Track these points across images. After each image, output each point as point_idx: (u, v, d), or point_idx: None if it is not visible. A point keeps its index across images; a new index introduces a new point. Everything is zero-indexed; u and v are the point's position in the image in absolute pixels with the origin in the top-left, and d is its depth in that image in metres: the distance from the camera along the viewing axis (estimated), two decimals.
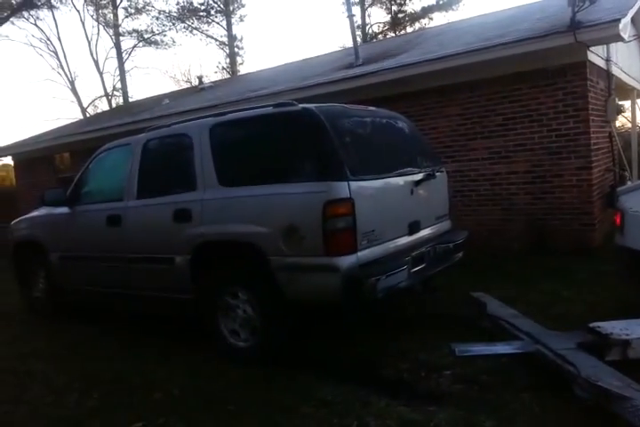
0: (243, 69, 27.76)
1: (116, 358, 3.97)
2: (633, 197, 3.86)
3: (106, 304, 4.87)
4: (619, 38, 5.81)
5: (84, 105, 28.23)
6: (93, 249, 4.57)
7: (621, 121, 14.98)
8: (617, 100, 7.26)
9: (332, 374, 3.31)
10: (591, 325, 3.06)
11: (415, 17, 26.80)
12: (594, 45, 6.06)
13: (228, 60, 28.40)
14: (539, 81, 6.22)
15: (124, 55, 27.30)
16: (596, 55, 6.37)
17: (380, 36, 26.43)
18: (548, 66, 6.11)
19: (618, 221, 3.85)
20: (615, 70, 7.36)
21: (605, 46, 6.80)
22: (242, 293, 3.60)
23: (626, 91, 9.75)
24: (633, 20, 7.10)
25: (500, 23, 7.80)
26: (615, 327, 2.99)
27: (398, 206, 3.71)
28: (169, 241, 3.90)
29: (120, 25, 26.45)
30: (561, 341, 3.07)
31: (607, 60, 6.99)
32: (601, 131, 6.61)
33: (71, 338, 4.61)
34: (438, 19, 26.01)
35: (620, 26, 5.51)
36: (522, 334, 3.34)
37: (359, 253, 3.25)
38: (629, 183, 8.09)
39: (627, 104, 11.14)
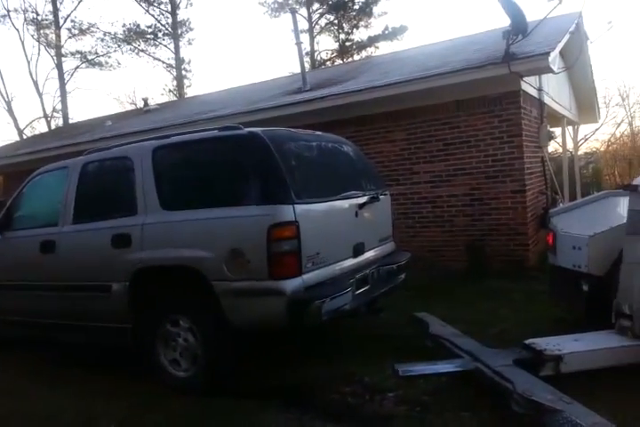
0: (190, 92, 27.60)
1: (53, 393, 3.74)
2: (563, 218, 4.07)
3: (42, 336, 4.59)
4: (549, 70, 6.22)
5: (21, 126, 27.13)
6: (26, 277, 4.33)
7: (554, 147, 15.93)
8: (548, 127, 7.71)
9: (276, 401, 3.25)
10: (526, 342, 3.17)
11: (362, 45, 27.69)
12: (526, 76, 6.45)
13: (175, 83, 28.17)
14: (476, 108, 6.54)
15: (66, 76, 26.51)
16: (529, 85, 6.77)
17: (328, 62, 27.09)
18: (485, 94, 6.44)
19: (550, 241, 4.03)
20: (547, 99, 7.85)
21: (537, 77, 7.25)
22: (183, 320, 3.49)
23: (557, 118, 10.41)
24: (561, 53, 7.63)
25: (440, 53, 8.18)
26: (549, 343, 3.10)
27: (343, 229, 3.75)
28: (106, 267, 3.76)
29: (62, 46, 25.78)
30: (499, 358, 3.14)
31: (539, 90, 7.46)
32: (534, 156, 6.99)
33: (5, 372, 4.30)
34: (384, 47, 26.98)
35: (550, 58, 5.91)
36: (462, 352, 3.39)
37: (304, 276, 3.25)
38: (561, 205, 8.56)
39: (558, 131, 11.86)
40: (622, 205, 3.66)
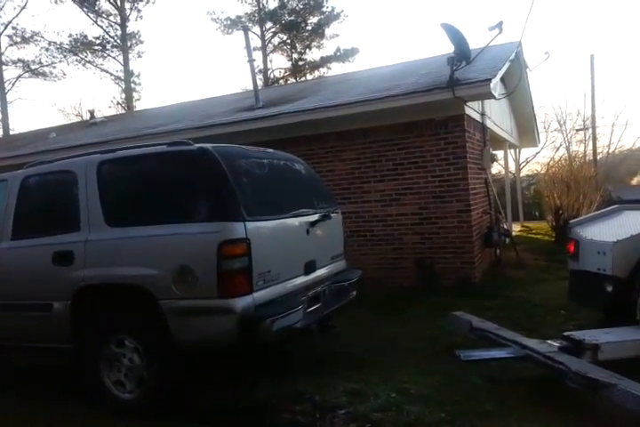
0: (139, 106, 27.13)
1: None
2: (586, 227, 4.48)
3: None
4: (490, 96, 6.53)
5: None
6: None
7: (497, 168, 16.66)
8: (491, 149, 8.07)
9: (227, 423, 3.19)
10: (565, 333, 3.56)
11: (315, 65, 28.22)
12: (470, 101, 6.74)
13: (123, 96, 27.65)
14: (424, 131, 6.76)
15: (7, 85, 25.53)
16: (472, 109, 7.09)
17: (281, 81, 27.40)
18: (432, 117, 6.68)
19: (572, 248, 4.36)
20: (489, 123, 8.23)
21: (480, 102, 7.61)
22: (128, 340, 3.38)
23: (499, 142, 10.93)
24: (502, 79, 8.05)
25: (390, 76, 8.44)
26: (586, 335, 3.48)
27: (294, 247, 3.75)
28: (47, 286, 3.60)
29: (3, 53, 24.83)
30: (544, 346, 3.45)
31: (482, 115, 7.81)
32: (478, 177, 7.28)
33: None
34: (336, 68, 27.62)
35: (491, 84, 6.21)
36: (509, 342, 3.62)
37: (255, 294, 3.22)
38: (504, 225, 8.92)
39: (500, 154, 12.44)
40: (635, 217, 4.37)
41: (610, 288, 3.96)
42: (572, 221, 4.87)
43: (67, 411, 3.50)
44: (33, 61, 25.76)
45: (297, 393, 3.50)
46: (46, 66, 26.06)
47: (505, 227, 9.00)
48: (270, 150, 4.25)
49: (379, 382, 3.59)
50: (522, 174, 18.70)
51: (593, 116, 20.05)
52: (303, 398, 3.43)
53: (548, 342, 3.55)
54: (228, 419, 3.24)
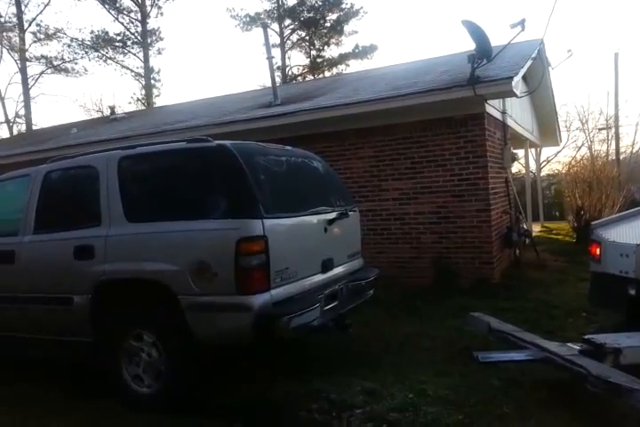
0: (159, 102, 27.37)
1: (5, 412, 3.55)
2: (608, 229, 4.38)
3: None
4: (512, 94, 6.45)
5: None
6: None
7: (517, 168, 16.44)
8: (512, 148, 7.96)
9: (243, 419, 3.19)
10: (586, 336, 3.47)
11: (333, 62, 28.15)
12: (491, 99, 6.66)
13: (143, 92, 27.87)
14: (443, 129, 6.69)
15: (30, 81, 25.91)
16: (493, 108, 6.99)
17: (299, 78, 27.36)
18: (452, 115, 6.60)
19: (594, 250, 4.28)
20: (510, 122, 8.12)
21: (501, 100, 7.50)
22: (147, 334, 3.40)
23: (520, 140, 10.78)
24: (524, 77, 7.93)
25: (409, 73, 8.38)
26: (607, 338, 3.39)
27: (312, 244, 3.74)
28: (68, 279, 3.64)
29: (27, 50, 25.19)
30: (565, 349, 3.38)
31: (503, 113, 7.71)
32: (498, 176, 7.19)
33: None
34: (354, 65, 27.51)
35: (513, 83, 6.12)
36: (528, 344, 3.56)
37: (272, 292, 3.22)
38: (524, 226, 8.81)
39: (521, 153, 12.26)
40: None
41: (632, 291, 3.87)
42: (594, 223, 4.78)
43: (80, 406, 3.54)
44: (55, 58, 26.15)
45: (313, 391, 3.49)
46: (68, 62, 26.43)
47: (525, 227, 8.89)
48: (288, 148, 4.24)
49: (395, 382, 3.57)
50: (542, 174, 18.40)
51: (616, 115, 19.65)
52: (320, 396, 3.42)
53: (569, 344, 3.49)
54: (244, 415, 3.25)
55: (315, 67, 28.18)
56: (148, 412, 3.29)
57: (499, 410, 3.09)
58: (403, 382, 3.56)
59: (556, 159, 22.93)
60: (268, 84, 11.73)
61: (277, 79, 20.08)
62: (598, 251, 4.22)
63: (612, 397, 2.89)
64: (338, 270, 4.03)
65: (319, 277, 3.76)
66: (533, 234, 10.30)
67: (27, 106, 25.77)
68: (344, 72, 25.06)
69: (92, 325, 3.58)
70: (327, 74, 26.97)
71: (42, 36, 25.36)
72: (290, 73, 28.10)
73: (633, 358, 3.25)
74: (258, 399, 3.46)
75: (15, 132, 25.42)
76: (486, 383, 3.47)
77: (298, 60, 32.04)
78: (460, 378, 3.57)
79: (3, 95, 26.22)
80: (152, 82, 27.86)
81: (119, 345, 3.49)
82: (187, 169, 3.57)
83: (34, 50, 26.22)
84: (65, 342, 3.78)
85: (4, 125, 26.77)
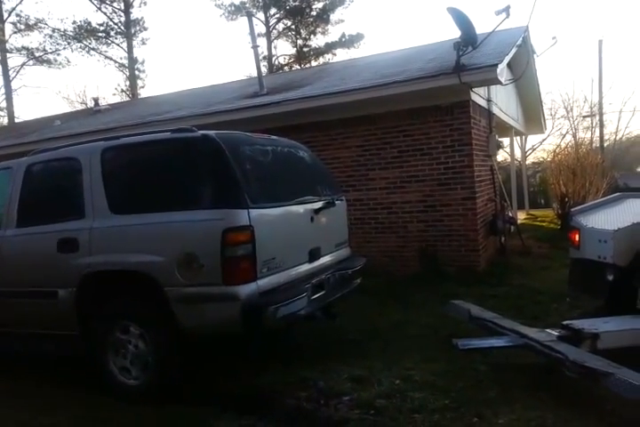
0: (143, 93, 27.06)
1: None
2: (587, 215, 4.46)
3: None
4: (497, 81, 6.46)
5: None
6: None
7: (503, 156, 16.55)
8: (497, 136, 7.99)
9: (231, 408, 3.21)
10: (564, 322, 3.54)
11: (319, 52, 27.98)
12: (476, 87, 6.66)
13: (127, 83, 27.52)
14: (429, 117, 6.69)
15: (12, 73, 25.46)
16: (478, 95, 7.00)
17: (285, 67, 27.18)
18: (437, 104, 6.60)
19: (574, 237, 4.32)
20: (495, 110, 8.14)
21: (487, 88, 7.51)
22: (134, 326, 3.40)
23: (505, 129, 10.81)
24: (509, 65, 7.94)
25: (396, 62, 8.34)
26: (585, 323, 3.46)
27: (298, 234, 3.75)
28: (52, 273, 3.62)
29: (7, 41, 24.67)
30: (543, 335, 3.44)
31: (488, 101, 7.72)
32: (483, 164, 7.22)
33: None
34: (341, 55, 27.37)
35: (498, 70, 6.13)
36: (507, 331, 3.62)
37: (259, 282, 3.23)
38: (509, 213, 8.88)
39: (506, 141, 12.32)
40: (637, 205, 4.37)
41: (610, 277, 3.93)
42: (573, 209, 4.84)
43: (71, 399, 3.53)
44: (37, 49, 25.66)
45: (302, 380, 3.52)
46: (50, 53, 25.96)
47: (510, 214, 8.95)
48: (274, 137, 4.22)
49: (383, 369, 3.61)
50: (527, 162, 18.53)
51: (600, 103, 19.86)
52: (308, 384, 3.45)
53: (547, 330, 3.54)
54: (232, 404, 3.26)
55: (301, 56, 28.01)
56: (136, 403, 3.30)
57: (485, 395, 3.14)
58: (390, 369, 3.60)
59: (541, 147, 23.14)
60: (254, 74, 11.64)
61: (263, 69, 19.92)
62: (577, 237, 4.26)
63: (589, 381, 2.95)
64: (325, 260, 4.05)
65: (306, 267, 3.77)
66: (519, 221, 10.39)
67: (8, 98, 25.34)
68: (331, 61, 24.90)
69: (78, 318, 3.56)
70: (314, 63, 26.79)
71: (22, 27, 24.89)
72: (276, 63, 27.93)
73: (610, 343, 3.31)
74: (247, 389, 3.48)
75: None
76: (472, 369, 3.52)
77: (284, 49, 31.86)
78: (446, 364, 3.62)
79: None
80: (136, 73, 27.53)
81: (106, 338, 3.48)
82: (171, 160, 3.54)
83: (14, 41, 25.70)
84: (51, 335, 3.76)
85: None
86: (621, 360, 2.93)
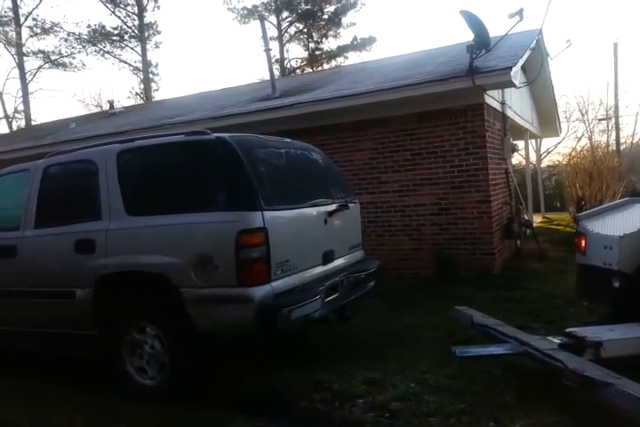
0: (157, 96, 27.30)
1: (8, 404, 3.58)
2: (593, 221, 4.38)
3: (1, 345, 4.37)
4: (511, 84, 6.42)
5: None
6: None
7: (518, 159, 16.41)
8: (511, 139, 7.94)
9: (245, 409, 3.21)
10: (567, 330, 3.46)
11: (331, 55, 28.01)
12: (490, 89, 6.64)
13: (141, 86, 27.80)
14: (442, 120, 6.67)
15: (28, 76, 25.82)
16: (492, 98, 6.97)
17: (297, 70, 27.24)
18: (451, 106, 6.58)
19: (580, 242, 4.26)
20: (510, 113, 8.10)
21: (500, 91, 7.47)
22: (150, 327, 3.42)
23: (520, 131, 10.74)
24: (523, 68, 7.90)
25: (407, 65, 8.33)
26: (588, 331, 3.39)
27: (312, 236, 3.75)
28: (69, 273, 3.65)
29: (24, 44, 25.06)
30: (544, 343, 3.39)
31: (502, 103, 7.68)
32: (498, 167, 7.18)
33: None
34: (353, 58, 27.39)
35: (512, 73, 6.10)
36: (509, 338, 3.57)
37: (273, 284, 3.23)
38: (525, 216, 8.81)
39: (521, 144, 12.22)
40: None
41: (616, 284, 3.84)
42: (580, 215, 4.77)
43: (85, 398, 3.56)
44: (53, 52, 26.02)
45: (315, 382, 3.52)
46: (66, 56, 26.30)
47: (526, 218, 8.88)
48: (287, 140, 4.23)
49: (397, 372, 3.59)
50: (543, 165, 18.36)
51: (616, 106, 19.59)
52: (322, 386, 3.45)
53: (549, 338, 3.49)
54: (246, 406, 3.27)
55: (313, 59, 28.06)
56: (151, 403, 3.31)
57: (500, 399, 3.11)
58: (404, 372, 3.58)
59: (556, 150, 22.91)
60: (267, 77, 11.69)
61: (276, 72, 20.05)
62: (583, 243, 4.19)
63: (587, 391, 2.87)
64: (339, 262, 4.04)
65: (320, 269, 3.76)
66: (534, 225, 10.29)
67: (25, 101, 25.70)
68: (343, 64, 24.92)
69: (95, 318, 3.60)
70: (326, 66, 26.85)
71: (38, 31, 25.23)
72: (288, 66, 27.99)
73: (613, 352, 3.23)
74: (261, 390, 3.49)
75: (15, 128, 25.35)
76: (487, 373, 3.49)
77: (296, 52, 31.90)
78: (460, 368, 3.58)
79: (1, 91, 26.21)
80: (150, 76, 27.79)
81: (122, 338, 3.51)
82: (185, 162, 3.57)
83: (31, 44, 26.21)
84: (68, 335, 3.80)
85: (4, 121, 26.81)
86: (632, 370, 2.87)
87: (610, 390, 2.70)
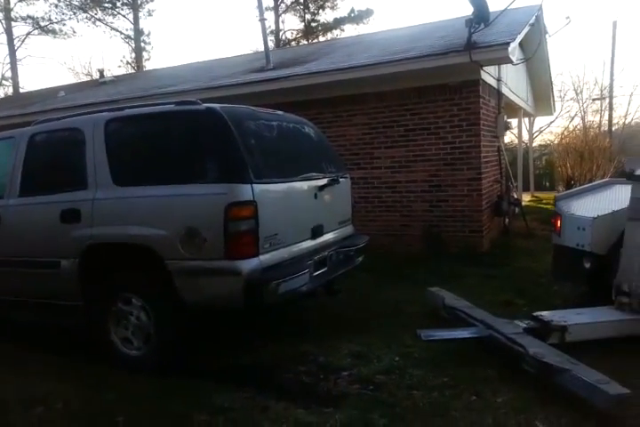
0: (149, 65, 26.73)
1: None
2: (570, 201, 4.39)
3: None
4: (508, 60, 6.33)
5: None
6: None
7: (509, 137, 16.36)
8: (505, 117, 7.88)
9: (231, 381, 3.24)
10: (534, 313, 3.51)
11: (328, 27, 27.41)
12: (487, 65, 6.54)
13: (133, 55, 27.17)
14: (437, 96, 6.59)
15: (17, 42, 25.11)
16: (488, 75, 6.88)
17: (292, 42, 26.68)
18: (446, 82, 6.50)
19: (556, 223, 4.29)
20: (505, 90, 8.01)
21: (497, 67, 7.37)
22: (135, 298, 3.41)
23: (514, 109, 10.66)
24: (521, 44, 7.78)
25: (405, 39, 8.17)
26: (555, 315, 3.44)
27: (302, 210, 3.73)
28: (54, 243, 3.62)
29: (12, 9, 24.29)
30: (510, 327, 3.41)
31: (498, 80, 7.59)
32: (491, 145, 7.14)
33: None
34: (349, 30, 26.82)
35: (510, 49, 6.01)
36: (476, 321, 3.61)
37: (261, 257, 3.22)
38: (515, 195, 8.83)
39: (514, 122, 12.15)
40: (624, 192, 4.02)
41: (588, 265, 3.91)
42: (557, 195, 4.78)
43: (73, 369, 3.56)
44: (42, 18, 25.24)
45: (301, 354, 3.56)
46: (56, 23, 25.54)
47: (515, 196, 8.91)
48: (280, 113, 4.16)
49: (382, 346, 3.64)
50: (534, 144, 18.34)
51: (611, 86, 19.48)
52: (307, 359, 3.48)
53: (517, 322, 3.50)
54: (232, 377, 3.30)
55: (309, 31, 27.45)
56: (138, 373, 3.33)
57: (483, 373, 3.15)
58: (389, 346, 3.63)
59: (548, 130, 22.86)
60: (261, 48, 11.45)
61: (270, 44, 19.57)
62: (559, 223, 4.22)
63: (545, 377, 2.88)
64: (328, 237, 4.04)
65: (309, 244, 3.76)
66: (523, 204, 10.34)
67: (13, 68, 25.09)
68: (339, 37, 24.43)
69: (81, 288, 3.58)
70: (321, 39, 26.28)
71: None
72: (283, 37, 27.38)
73: (578, 336, 3.29)
74: (247, 362, 3.52)
75: (2, 95, 24.82)
76: (472, 347, 3.54)
77: (292, 24, 31.31)
78: (445, 342, 3.63)
79: None
80: (142, 45, 27.13)
81: (108, 309, 3.50)
82: (174, 132, 3.50)
83: (19, 9, 25.63)
84: (55, 305, 3.79)
85: None
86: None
87: (565, 376, 2.74)
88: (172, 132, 3.50)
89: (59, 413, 2.95)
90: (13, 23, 24.64)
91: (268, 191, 3.32)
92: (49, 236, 3.67)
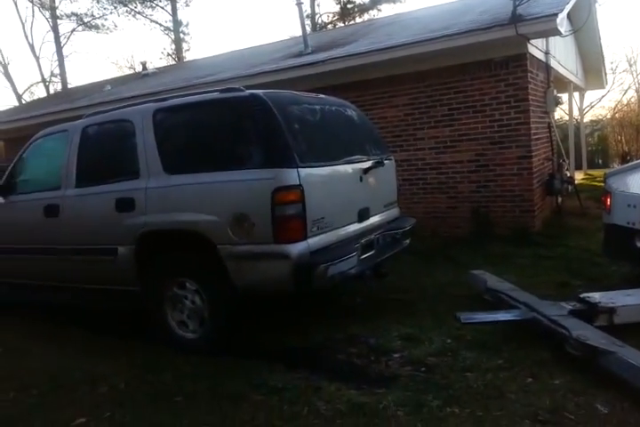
0: (189, 56, 27.02)
1: (58, 353, 3.79)
2: (620, 179, 4.22)
3: (43, 299, 4.61)
4: (556, 32, 6.05)
5: (19, 91, 26.72)
6: (30, 241, 4.33)
7: (559, 114, 15.70)
8: (555, 91, 7.56)
9: (283, 362, 3.30)
10: (581, 295, 3.41)
11: (364, 8, 26.88)
12: (534, 38, 6.27)
13: (173, 46, 27.53)
14: (482, 72, 6.38)
15: (63, 39, 25.91)
16: (535, 48, 6.59)
17: (329, 25, 26.35)
18: (491, 58, 6.28)
19: (606, 201, 4.16)
20: (553, 63, 7.67)
21: (544, 40, 7.05)
22: (189, 283, 3.51)
23: (563, 83, 10.21)
24: (569, 15, 7.40)
25: (445, 15, 7.93)
26: (603, 297, 3.34)
27: (347, 194, 3.71)
28: (111, 231, 3.76)
29: (57, 7, 25.03)
30: (554, 309, 3.32)
31: (546, 53, 7.27)
32: (540, 121, 6.88)
33: (9, 333, 4.35)
34: (387, 10, 26.19)
35: (558, 20, 5.73)
36: (519, 304, 3.54)
37: (309, 240, 3.24)
38: (567, 173, 8.51)
39: (564, 97, 11.64)
40: None
41: (639, 243, 3.74)
42: (607, 172, 4.57)
43: (130, 350, 3.72)
44: (85, 14, 25.89)
45: (351, 336, 3.58)
46: (98, 18, 26.15)
47: (568, 174, 8.58)
48: (322, 96, 4.15)
49: (433, 328, 3.61)
50: (585, 120, 17.53)
51: None
52: (358, 341, 3.50)
53: (562, 304, 3.39)
54: (284, 358, 3.36)
55: (345, 13, 27.00)
56: (195, 355, 3.44)
57: (538, 355, 3.09)
58: (440, 328, 3.60)
59: (599, 104, 21.75)
60: (298, 33, 11.36)
61: (307, 28, 19.42)
62: (609, 201, 4.06)
63: (589, 359, 2.80)
64: (374, 220, 4.02)
65: (355, 227, 3.75)
66: (576, 182, 9.95)
67: (61, 64, 25.95)
68: (376, 17, 23.94)
69: (138, 274, 3.71)
70: (358, 20, 25.82)
71: None
72: (319, 21, 27.04)
73: (627, 317, 3.17)
74: (298, 344, 3.57)
75: (52, 91, 25.76)
76: (525, 329, 3.46)
77: (327, 7, 30.83)
78: (497, 324, 3.57)
79: (37, 54, 26.42)
80: (181, 35, 27.41)
81: (164, 293, 3.62)
82: (220, 119, 3.54)
83: (64, 7, 26.12)
84: (112, 290, 3.95)
85: (41, 85, 27.17)
86: None
87: (610, 359, 2.65)
88: (218, 120, 3.55)
89: (121, 392, 3.09)
90: (59, 21, 25.47)
91: (313, 175, 3.33)
92: (106, 224, 3.81)
